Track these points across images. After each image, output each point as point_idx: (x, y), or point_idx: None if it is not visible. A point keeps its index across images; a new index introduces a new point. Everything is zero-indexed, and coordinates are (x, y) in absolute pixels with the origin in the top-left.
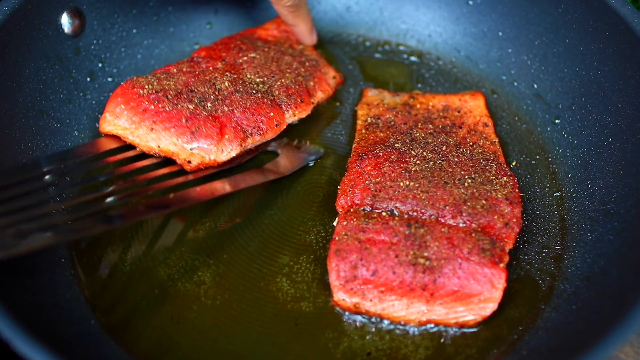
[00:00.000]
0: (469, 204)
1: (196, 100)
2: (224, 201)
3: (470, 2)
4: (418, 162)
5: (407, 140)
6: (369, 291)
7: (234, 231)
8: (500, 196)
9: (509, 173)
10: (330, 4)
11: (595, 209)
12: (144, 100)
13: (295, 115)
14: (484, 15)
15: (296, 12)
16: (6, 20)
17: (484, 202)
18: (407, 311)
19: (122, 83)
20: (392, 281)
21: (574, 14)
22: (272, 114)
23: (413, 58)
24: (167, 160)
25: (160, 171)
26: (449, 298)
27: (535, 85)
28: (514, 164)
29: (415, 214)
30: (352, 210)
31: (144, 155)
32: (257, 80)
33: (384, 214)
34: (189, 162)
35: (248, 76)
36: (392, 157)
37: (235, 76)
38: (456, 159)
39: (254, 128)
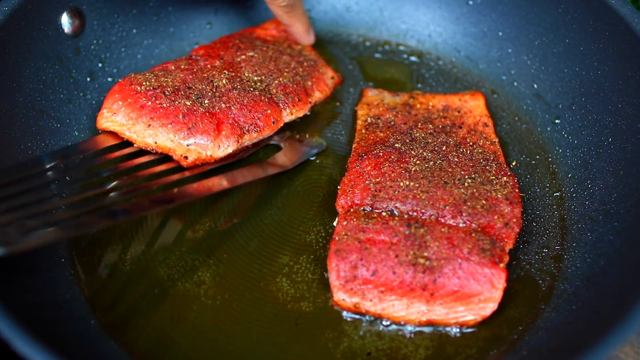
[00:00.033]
0: (469, 204)
1: (193, 97)
2: (224, 201)
3: (470, 2)
4: (418, 162)
5: (407, 140)
6: (369, 291)
7: (233, 231)
8: (500, 196)
9: (509, 173)
10: (330, 4)
11: (595, 209)
12: (142, 96)
13: (292, 114)
14: (484, 15)
15: (291, 12)
16: (6, 20)
17: (484, 202)
18: (407, 311)
19: (119, 80)
20: (392, 281)
21: (574, 14)
22: (269, 111)
23: (413, 58)
24: (167, 157)
25: (160, 167)
26: (449, 298)
27: (535, 85)
28: (514, 164)
29: (415, 214)
30: (352, 210)
31: (143, 152)
32: (255, 78)
33: (384, 214)
34: (186, 157)
35: (246, 74)
36: (392, 157)
37: (233, 74)
38: (456, 159)
39: (251, 125)
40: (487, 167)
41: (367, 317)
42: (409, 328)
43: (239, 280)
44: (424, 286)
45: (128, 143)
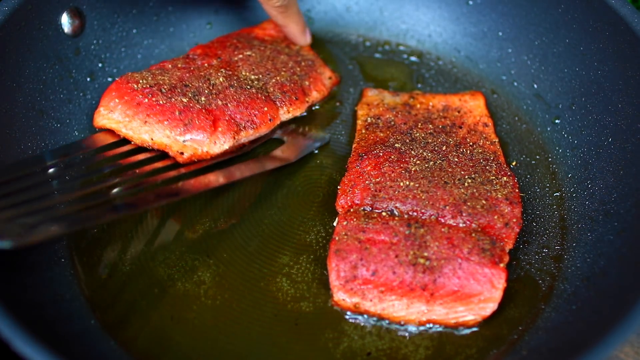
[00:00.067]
0: (469, 204)
1: (190, 95)
2: (224, 201)
3: (470, 2)
4: (418, 162)
5: (407, 140)
6: (369, 291)
7: (234, 231)
8: (500, 196)
9: (509, 173)
10: (330, 4)
11: (595, 209)
12: (138, 94)
13: (289, 112)
14: (484, 15)
15: (286, 13)
16: (6, 20)
17: (484, 202)
18: (407, 311)
19: (117, 79)
20: (392, 281)
21: (574, 14)
22: (265, 108)
23: (413, 58)
24: (165, 154)
25: (158, 164)
26: (449, 298)
27: (535, 85)
28: (514, 164)
29: (415, 214)
30: (352, 210)
31: (141, 149)
32: (252, 77)
33: (384, 214)
34: (182, 153)
35: (243, 73)
36: (392, 157)
37: (230, 73)
38: (456, 159)
39: (247, 121)
40: (487, 167)
41: (367, 317)
42: (409, 328)
43: (239, 280)
44: (424, 286)
45: (126, 141)
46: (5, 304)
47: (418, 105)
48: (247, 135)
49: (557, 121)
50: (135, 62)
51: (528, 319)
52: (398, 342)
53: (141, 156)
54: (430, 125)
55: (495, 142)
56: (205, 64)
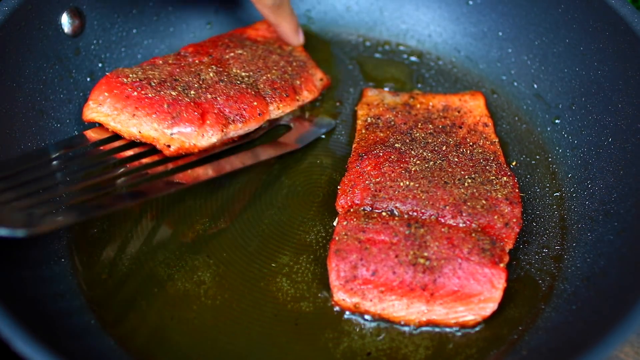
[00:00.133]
0: (469, 204)
1: (179, 88)
2: (224, 200)
3: (470, 2)
4: (418, 162)
5: (407, 140)
6: (369, 291)
7: (234, 231)
8: (500, 196)
9: (509, 173)
10: (330, 4)
11: (595, 209)
12: (127, 87)
13: (279, 109)
14: (484, 15)
15: (278, 12)
16: (6, 20)
17: (484, 202)
18: (407, 311)
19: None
20: (392, 281)
21: (574, 14)
22: (255, 103)
23: (413, 58)
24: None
25: (157, 156)
26: (449, 298)
27: (535, 85)
28: (514, 164)
29: (415, 214)
30: (352, 210)
31: (134, 144)
32: (243, 74)
33: (384, 214)
34: (169, 146)
35: (234, 70)
36: (392, 157)
37: (221, 69)
38: (456, 159)
39: (236, 115)
40: (487, 167)
41: (367, 317)
42: (409, 328)
43: (239, 280)
44: (424, 286)
45: (118, 136)
46: (5, 303)
47: (418, 105)
48: (235, 129)
49: (557, 121)
50: (135, 62)
51: (528, 319)
52: (398, 342)
53: (131, 151)
54: (430, 125)
55: (495, 142)
56: (196, 61)
